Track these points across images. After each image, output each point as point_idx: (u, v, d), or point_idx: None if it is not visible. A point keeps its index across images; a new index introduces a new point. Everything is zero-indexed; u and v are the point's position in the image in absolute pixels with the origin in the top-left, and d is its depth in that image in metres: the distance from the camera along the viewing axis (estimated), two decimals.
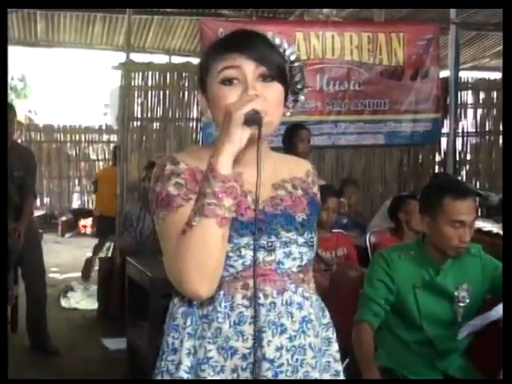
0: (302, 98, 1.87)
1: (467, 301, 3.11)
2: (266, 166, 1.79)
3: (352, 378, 2.82)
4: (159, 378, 1.80)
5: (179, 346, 1.76)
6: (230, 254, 1.69)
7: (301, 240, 1.78)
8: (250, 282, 1.71)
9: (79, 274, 8.62)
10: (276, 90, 1.75)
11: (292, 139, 5.86)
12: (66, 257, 10.50)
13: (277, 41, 1.82)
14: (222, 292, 1.72)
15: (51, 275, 8.30)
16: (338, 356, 1.92)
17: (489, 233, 5.64)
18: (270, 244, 1.74)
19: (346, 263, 4.89)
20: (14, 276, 5.83)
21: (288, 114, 1.86)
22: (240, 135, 1.63)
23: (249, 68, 1.71)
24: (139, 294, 4.79)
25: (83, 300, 7.38)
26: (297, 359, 1.74)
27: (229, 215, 1.63)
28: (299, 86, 1.85)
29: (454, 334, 3.07)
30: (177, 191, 1.70)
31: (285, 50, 1.82)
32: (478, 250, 3.21)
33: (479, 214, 7.94)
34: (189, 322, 1.76)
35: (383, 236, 5.25)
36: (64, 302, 7.38)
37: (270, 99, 1.71)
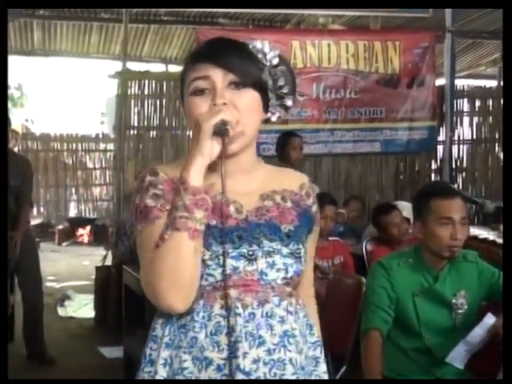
0: (289, 102, 1.82)
1: (465, 307, 3.12)
2: (254, 176, 1.80)
3: None
4: None
5: (156, 356, 1.73)
6: (209, 263, 1.66)
7: (285, 250, 1.72)
8: (230, 292, 1.67)
9: (76, 283, 8.60)
10: (248, 97, 1.72)
11: (284, 147, 5.86)
12: (62, 265, 10.48)
13: (257, 46, 1.79)
14: (201, 302, 1.69)
15: (48, 284, 8.28)
16: (325, 376, 1.84)
17: (485, 240, 5.65)
18: (250, 253, 1.69)
19: (343, 271, 4.89)
20: (10, 285, 5.82)
21: (273, 119, 1.83)
22: (210, 147, 1.62)
23: (217, 76, 1.69)
24: (136, 302, 4.79)
25: (80, 308, 7.37)
26: (275, 373, 1.67)
27: (200, 227, 1.61)
28: (285, 91, 1.81)
29: (453, 341, 3.07)
30: (154, 203, 1.68)
31: (265, 55, 1.79)
32: (474, 257, 3.22)
33: (475, 221, 8.00)
34: (167, 332, 1.73)
35: (379, 244, 5.26)
36: (61, 311, 7.37)
37: (241, 107, 1.69)
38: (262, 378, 1.66)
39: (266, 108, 1.79)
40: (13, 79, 20.49)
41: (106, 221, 12.86)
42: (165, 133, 7.75)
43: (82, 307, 7.41)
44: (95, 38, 11.29)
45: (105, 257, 7.53)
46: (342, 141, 7.78)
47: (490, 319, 2.96)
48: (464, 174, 8.74)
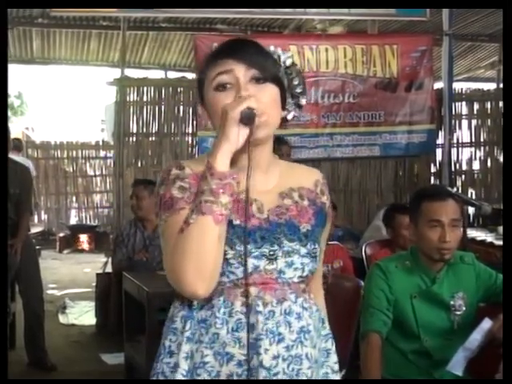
0: (303, 101, 1.89)
1: (463, 309, 3.12)
2: (272, 174, 1.85)
3: None
4: (155, 379, 1.81)
5: (176, 349, 1.77)
6: (232, 261, 1.71)
7: (303, 251, 1.78)
8: (251, 290, 1.73)
9: (77, 290, 8.61)
10: (270, 91, 1.78)
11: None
12: (64, 273, 10.48)
13: (271, 48, 1.86)
14: (221, 298, 1.73)
15: (49, 291, 8.29)
16: (336, 367, 1.92)
17: (483, 242, 5.66)
18: (271, 253, 1.74)
19: (342, 275, 4.90)
20: (11, 293, 5.83)
21: (289, 117, 1.89)
22: (237, 133, 1.67)
23: (240, 71, 1.75)
24: (136, 308, 4.80)
25: (81, 316, 7.37)
26: (293, 368, 1.74)
27: (226, 212, 1.65)
28: (299, 90, 1.88)
29: (451, 343, 3.08)
30: (181, 194, 1.72)
31: (279, 56, 1.86)
32: (471, 259, 3.23)
33: (474, 224, 8.01)
34: (188, 326, 1.76)
35: (379, 247, 5.26)
36: (62, 318, 7.37)
37: (263, 100, 1.74)
38: (281, 373, 1.72)
39: (283, 106, 1.85)
40: (13, 87, 20.58)
41: (107, 228, 12.86)
42: (164, 139, 7.75)
43: (83, 314, 7.41)
44: (94, 45, 11.32)
45: (105, 264, 7.53)
46: (341, 145, 7.79)
47: (486, 324, 2.96)
48: (463, 176, 8.75)
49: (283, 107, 1.84)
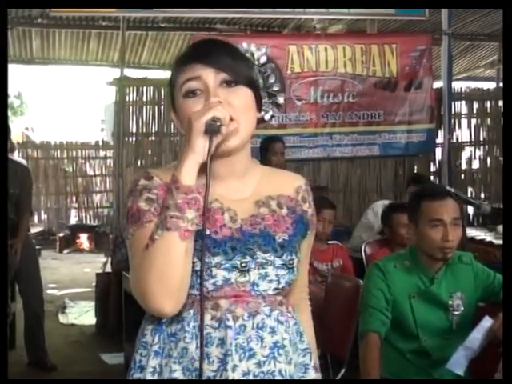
0: (281, 100, 1.81)
1: (462, 309, 3.12)
2: (249, 181, 1.76)
3: None
4: None
5: (146, 363, 1.70)
6: (200, 273, 1.62)
7: (278, 262, 1.70)
8: (221, 303, 1.66)
9: (77, 290, 8.61)
10: (242, 94, 1.69)
11: (265, 152, 5.84)
12: (64, 273, 10.49)
13: (244, 46, 1.78)
14: (191, 311, 1.66)
15: (49, 291, 8.29)
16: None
17: (482, 241, 5.66)
18: (243, 264, 1.66)
19: (342, 275, 4.90)
20: (11, 292, 5.83)
21: (267, 117, 1.81)
22: (202, 145, 1.59)
23: (209, 76, 1.66)
24: (136, 308, 4.79)
25: (81, 315, 7.38)
26: None
27: (192, 228, 1.58)
28: (276, 88, 1.80)
29: (449, 342, 3.08)
30: (148, 206, 1.65)
31: (253, 54, 1.78)
32: (469, 259, 3.23)
33: (474, 223, 8.02)
34: (156, 340, 1.70)
35: (378, 247, 5.26)
36: (62, 318, 7.37)
37: (235, 104, 1.66)
38: None
39: (259, 107, 1.76)
40: (12, 88, 20.58)
41: (107, 228, 12.87)
42: (163, 139, 7.76)
43: (83, 314, 7.42)
44: (93, 45, 11.32)
45: (105, 263, 7.53)
46: (340, 144, 7.79)
47: (487, 322, 2.96)
48: (463, 175, 8.76)
49: (259, 108, 1.76)
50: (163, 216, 1.58)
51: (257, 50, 1.79)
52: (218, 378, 1.63)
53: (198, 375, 1.62)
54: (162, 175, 1.70)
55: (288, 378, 1.69)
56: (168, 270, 1.57)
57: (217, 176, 1.66)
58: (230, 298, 1.66)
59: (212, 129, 1.59)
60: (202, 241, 1.61)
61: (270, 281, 1.70)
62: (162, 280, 1.56)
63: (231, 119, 1.64)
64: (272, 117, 1.82)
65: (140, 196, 1.67)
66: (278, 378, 1.67)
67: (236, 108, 1.66)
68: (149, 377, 1.68)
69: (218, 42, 1.75)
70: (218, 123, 1.59)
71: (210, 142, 1.59)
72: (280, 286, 1.71)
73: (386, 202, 5.97)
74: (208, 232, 1.64)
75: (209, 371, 1.63)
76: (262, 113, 1.79)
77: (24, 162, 11.49)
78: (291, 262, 1.72)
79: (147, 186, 1.68)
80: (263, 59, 1.79)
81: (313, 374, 1.81)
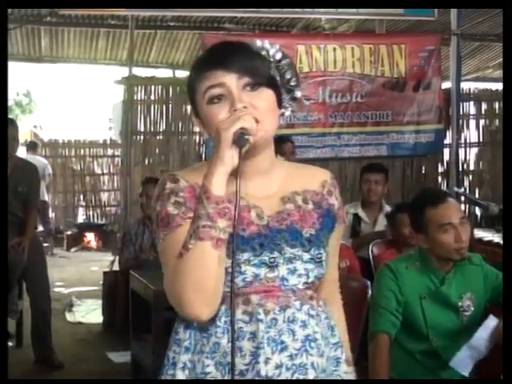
0: (298, 94, 1.82)
1: (472, 309, 3.13)
2: (274, 178, 1.78)
3: None
4: None
5: (178, 360, 1.75)
6: (231, 270, 1.64)
7: (306, 256, 1.73)
8: (252, 298, 1.69)
9: (84, 288, 8.62)
10: (265, 96, 1.71)
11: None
12: (71, 271, 10.50)
13: (258, 44, 1.79)
14: (223, 307, 1.69)
15: (56, 289, 8.30)
16: (345, 376, 1.84)
17: (490, 242, 5.64)
18: (272, 260, 1.69)
19: (348, 275, 4.89)
20: (18, 290, 5.84)
21: (287, 113, 1.83)
22: (231, 155, 1.61)
23: (232, 82, 1.68)
24: (143, 307, 4.80)
25: (88, 314, 7.38)
26: (297, 378, 1.68)
27: (224, 236, 1.61)
28: (293, 83, 1.80)
29: (459, 343, 3.07)
30: (176, 210, 1.68)
31: (268, 51, 1.78)
32: (479, 260, 3.24)
33: (482, 224, 7.99)
34: (187, 336, 1.74)
35: (385, 247, 5.25)
36: (69, 316, 7.38)
37: (260, 107, 1.68)
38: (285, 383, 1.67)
39: (279, 104, 1.78)
40: (21, 86, 20.61)
41: (115, 226, 12.88)
42: (171, 138, 7.76)
43: (90, 312, 7.42)
44: (102, 44, 11.33)
45: (112, 262, 7.55)
46: (348, 144, 7.78)
47: (492, 321, 2.95)
48: (471, 176, 8.74)
49: (279, 105, 1.78)
50: (195, 225, 1.61)
51: (271, 47, 1.79)
52: (250, 371, 1.66)
53: (230, 369, 1.65)
54: (188, 177, 1.73)
55: (320, 371, 1.73)
56: (203, 278, 1.60)
57: (242, 174, 1.66)
58: (261, 293, 1.70)
59: (241, 142, 1.61)
60: (231, 238, 1.63)
61: (299, 275, 1.73)
62: (198, 288, 1.60)
63: (256, 121, 1.65)
64: (292, 111, 1.85)
65: (168, 200, 1.70)
66: (311, 370, 1.70)
67: (260, 110, 1.68)
68: (179, 372, 1.73)
69: (235, 44, 1.77)
70: (246, 136, 1.62)
71: (239, 156, 1.62)
72: (309, 281, 1.74)
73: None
74: (227, 236, 1.65)
75: (241, 365, 1.67)
76: (283, 109, 1.80)
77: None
78: (319, 256, 1.75)
79: (174, 189, 1.71)
80: (279, 56, 1.79)
81: (345, 368, 1.85)
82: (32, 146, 12.39)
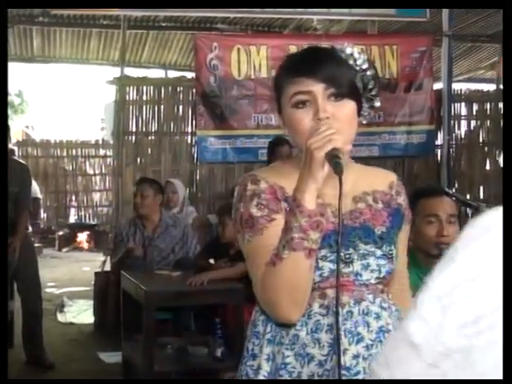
0: (378, 103, 1.87)
1: None
2: (346, 178, 1.78)
3: None
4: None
5: (259, 351, 1.82)
6: (336, 268, 1.72)
7: (379, 252, 1.81)
8: (328, 292, 1.76)
9: (76, 289, 8.61)
10: (348, 108, 1.78)
11: (272, 154, 5.82)
12: (62, 271, 10.49)
13: (347, 51, 1.84)
14: None
15: (48, 290, 8.30)
16: None
17: None
18: (347, 256, 1.78)
19: None
20: (10, 291, 5.83)
21: (364, 121, 1.88)
22: (323, 174, 1.68)
23: (318, 91, 1.74)
24: (134, 307, 4.80)
25: (79, 314, 7.38)
26: None
27: (315, 247, 1.68)
28: (373, 93, 1.86)
29: None
30: (260, 212, 1.76)
31: (355, 60, 1.83)
32: None
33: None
34: (268, 329, 1.81)
35: None
36: (60, 317, 7.37)
37: (341, 118, 1.75)
38: (362, 372, 1.74)
39: (358, 113, 1.83)
40: (13, 86, 20.58)
41: (106, 226, 12.87)
42: (163, 138, 7.76)
43: (82, 313, 7.42)
44: (94, 44, 11.32)
45: (104, 262, 7.54)
46: None
47: None
48: (462, 177, 8.75)
49: (359, 113, 1.83)
50: (288, 237, 1.67)
51: (359, 56, 1.84)
52: (328, 361, 1.74)
53: (309, 360, 1.75)
54: (268, 177, 1.81)
55: None
56: (296, 286, 1.69)
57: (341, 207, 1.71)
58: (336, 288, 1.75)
59: (338, 170, 1.65)
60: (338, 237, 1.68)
61: (372, 271, 1.81)
62: (291, 294, 1.69)
63: (344, 138, 1.70)
64: (369, 119, 1.90)
65: (250, 201, 1.78)
66: None
67: (342, 122, 1.74)
68: (264, 363, 1.80)
69: (324, 51, 1.85)
70: (339, 160, 1.65)
71: (339, 184, 1.66)
72: (381, 276, 1.82)
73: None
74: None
75: (320, 355, 1.75)
76: (361, 118, 1.86)
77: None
78: (391, 252, 1.84)
79: (255, 190, 1.79)
80: (365, 66, 1.84)
81: None
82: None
